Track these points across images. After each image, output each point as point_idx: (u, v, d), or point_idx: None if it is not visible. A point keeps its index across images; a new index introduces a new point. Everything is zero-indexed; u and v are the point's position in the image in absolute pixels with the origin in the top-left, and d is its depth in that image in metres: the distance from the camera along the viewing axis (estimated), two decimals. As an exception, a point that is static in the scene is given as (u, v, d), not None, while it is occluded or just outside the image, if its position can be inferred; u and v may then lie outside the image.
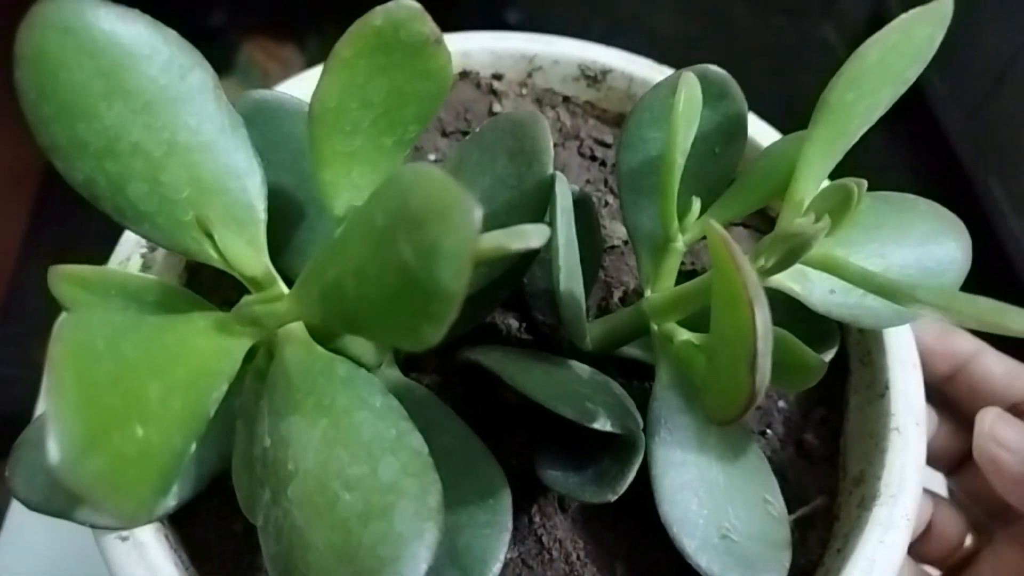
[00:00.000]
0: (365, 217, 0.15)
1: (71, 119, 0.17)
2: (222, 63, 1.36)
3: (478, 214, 0.13)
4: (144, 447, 0.13)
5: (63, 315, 0.13)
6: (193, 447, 0.15)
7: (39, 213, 1.07)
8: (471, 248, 0.13)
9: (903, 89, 0.20)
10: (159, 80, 0.18)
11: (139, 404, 0.13)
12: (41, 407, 0.41)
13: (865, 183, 0.19)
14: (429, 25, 0.17)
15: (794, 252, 0.19)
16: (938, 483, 0.31)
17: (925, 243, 0.23)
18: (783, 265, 0.19)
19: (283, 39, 1.38)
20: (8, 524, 0.38)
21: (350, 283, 0.16)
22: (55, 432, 0.11)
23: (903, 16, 0.19)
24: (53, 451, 0.11)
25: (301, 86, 0.27)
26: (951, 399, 0.29)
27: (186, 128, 0.18)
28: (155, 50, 0.18)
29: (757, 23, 1.49)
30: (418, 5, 0.17)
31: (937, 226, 0.23)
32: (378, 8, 0.17)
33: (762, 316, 0.15)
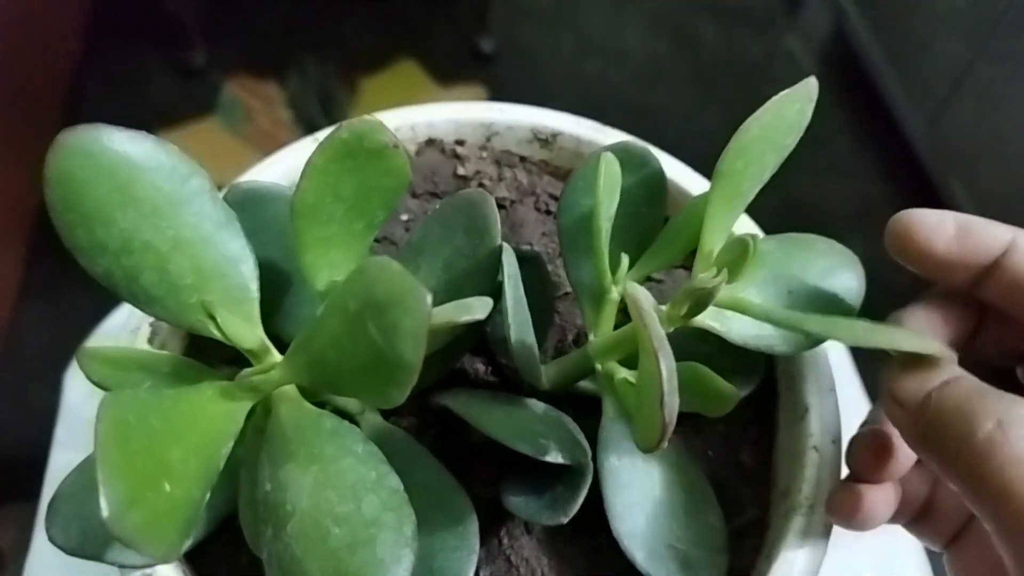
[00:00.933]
0: (340, 301, 0.19)
1: (92, 225, 0.21)
2: (205, 102, 1.40)
3: (429, 299, 0.17)
4: (171, 501, 0.16)
5: (103, 398, 0.16)
6: (207, 496, 0.18)
7: (33, 261, 1.10)
8: (424, 327, 0.17)
9: (786, 152, 0.24)
10: (164, 187, 0.21)
11: (165, 466, 0.17)
12: (54, 456, 0.44)
13: (760, 236, 0.23)
14: (387, 135, 0.21)
15: (701, 301, 0.23)
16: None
17: (824, 278, 0.26)
18: (696, 311, 0.23)
19: (264, 76, 1.42)
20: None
21: (331, 355, 0.19)
22: (104, 494, 0.15)
23: (774, 98, 0.23)
24: (104, 508, 0.15)
25: (276, 168, 0.30)
26: (989, 304, 0.24)
27: (188, 226, 0.21)
28: (160, 163, 0.21)
29: (723, 38, 1.54)
30: (378, 119, 0.21)
31: (834, 261, 0.27)
32: (344, 123, 0.20)
33: (666, 364, 0.19)
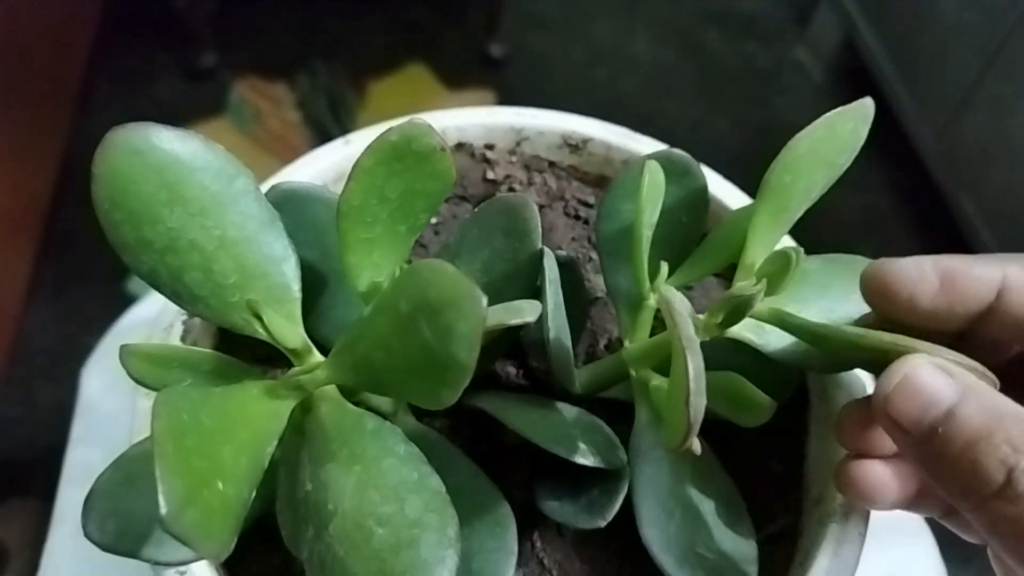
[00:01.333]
0: (390, 303, 0.19)
1: (139, 223, 0.21)
2: (214, 103, 1.40)
3: (484, 302, 0.17)
4: (224, 499, 0.16)
5: (157, 395, 0.16)
6: (252, 496, 0.18)
7: (42, 258, 1.10)
8: (480, 330, 0.17)
9: (838, 172, 0.24)
10: (211, 187, 0.21)
11: (219, 465, 0.17)
12: (71, 453, 0.44)
13: (802, 251, 0.23)
14: (436, 138, 0.21)
15: (739, 309, 0.22)
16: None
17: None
18: (732, 320, 0.23)
19: (273, 78, 1.43)
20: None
21: (378, 356, 0.19)
22: (163, 491, 0.15)
23: (829, 113, 0.22)
24: (163, 505, 0.15)
25: (309, 168, 0.30)
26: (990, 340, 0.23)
27: (233, 225, 0.21)
28: (207, 163, 0.21)
29: (732, 48, 1.55)
30: (427, 122, 0.21)
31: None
32: (394, 127, 0.20)
33: (694, 363, 0.19)
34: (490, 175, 0.33)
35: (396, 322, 0.18)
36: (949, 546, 0.45)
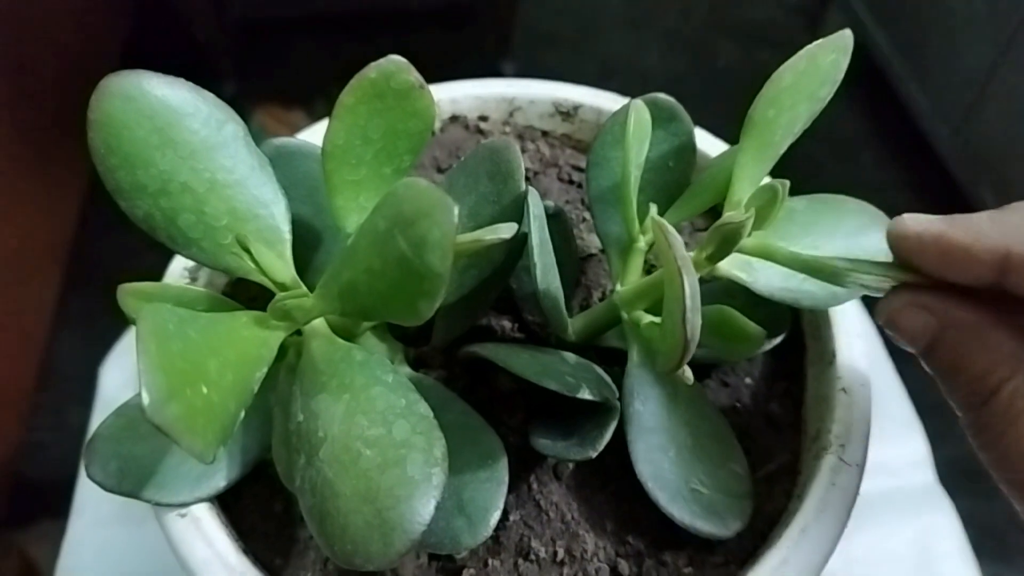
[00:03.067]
0: (370, 226, 0.19)
1: (132, 167, 0.21)
2: (235, 132, 1.44)
3: (455, 210, 0.17)
4: (208, 403, 0.17)
5: (146, 307, 0.17)
6: (242, 415, 0.19)
7: (70, 283, 1.12)
8: (452, 236, 0.17)
9: (820, 106, 0.24)
10: (201, 132, 0.22)
11: (202, 372, 0.17)
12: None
13: (788, 183, 0.23)
14: (413, 74, 0.22)
15: (728, 239, 0.23)
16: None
17: (854, 236, 0.26)
18: (722, 252, 0.23)
19: (291, 106, 1.46)
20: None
21: (362, 279, 0.20)
22: (145, 384, 0.15)
23: (809, 46, 0.23)
24: (145, 397, 0.15)
25: (312, 135, 0.31)
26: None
27: (223, 169, 0.22)
28: (197, 108, 0.22)
29: (743, 58, 1.55)
30: (403, 59, 0.21)
31: (865, 220, 0.27)
32: (372, 64, 0.21)
33: (689, 281, 0.19)
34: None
35: (375, 241, 0.19)
36: (969, 519, 0.45)
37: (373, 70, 0.21)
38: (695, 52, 1.58)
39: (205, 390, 0.17)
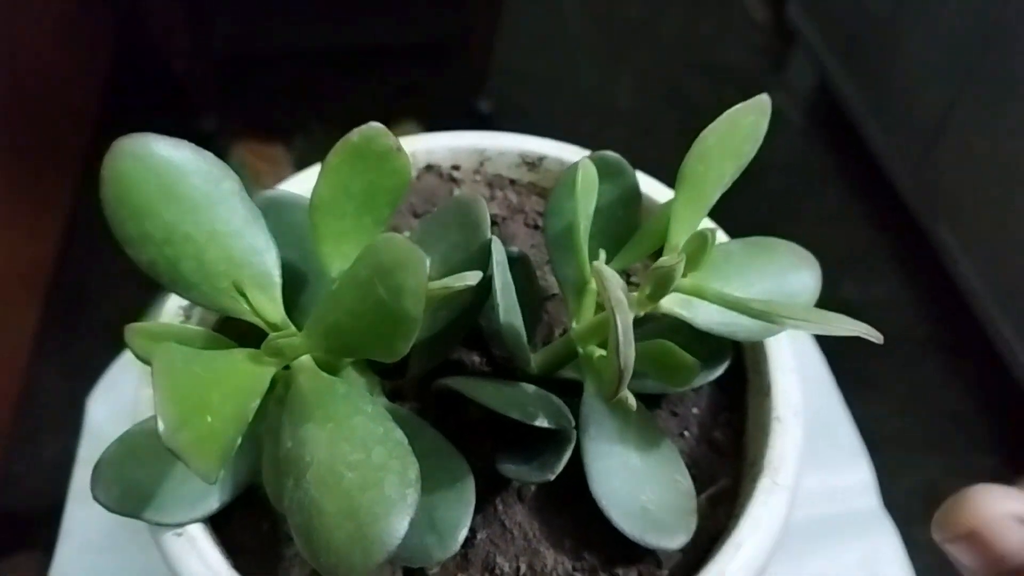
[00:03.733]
0: (352, 273, 0.22)
1: (140, 219, 0.24)
2: (215, 164, 1.46)
3: (427, 262, 0.20)
4: (212, 430, 0.19)
5: (157, 348, 0.20)
6: (239, 442, 0.21)
7: (48, 314, 1.13)
8: (424, 285, 0.20)
9: (746, 160, 0.28)
10: (202, 187, 0.25)
11: (207, 403, 0.20)
12: (77, 473, 0.47)
13: (717, 229, 0.26)
14: (391, 139, 0.25)
15: (662, 280, 0.26)
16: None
17: (783, 274, 0.30)
18: (660, 292, 0.26)
19: (271, 140, 1.48)
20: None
21: (345, 321, 0.23)
22: (160, 414, 0.18)
23: (728, 111, 0.26)
24: (161, 426, 0.18)
25: (299, 184, 0.34)
26: None
27: (221, 220, 0.25)
28: (198, 166, 0.25)
29: (711, 96, 1.61)
30: (382, 126, 0.24)
31: (793, 261, 0.30)
32: (354, 130, 0.24)
33: (622, 318, 0.22)
34: (456, 192, 0.37)
35: (357, 287, 0.22)
36: (911, 543, 0.48)
37: (356, 134, 0.24)
38: (666, 90, 1.63)
39: (209, 419, 0.19)
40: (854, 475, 0.48)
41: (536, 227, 0.37)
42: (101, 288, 1.22)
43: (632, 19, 1.78)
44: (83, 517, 0.44)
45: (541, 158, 0.37)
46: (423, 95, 1.58)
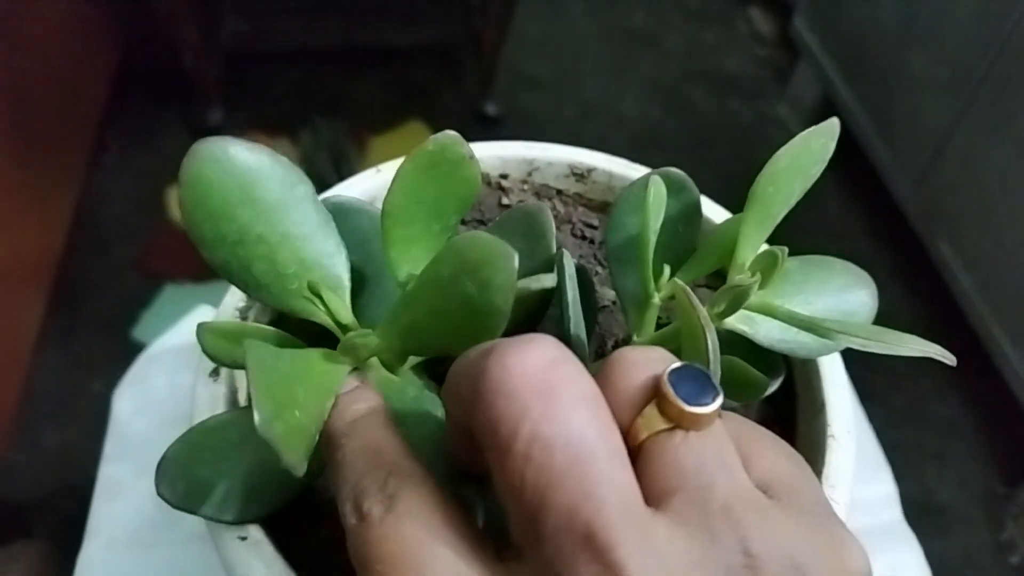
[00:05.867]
0: (432, 273, 0.22)
1: (216, 221, 0.24)
2: (219, 159, 1.45)
3: (516, 259, 0.20)
4: (299, 424, 0.19)
5: (246, 343, 0.20)
6: (317, 436, 0.21)
7: (52, 307, 1.12)
8: (514, 280, 0.20)
9: (811, 181, 0.28)
10: (276, 192, 0.25)
11: (294, 398, 0.20)
12: (103, 469, 0.47)
13: (786, 250, 0.27)
14: (466, 147, 0.25)
15: (737, 299, 0.26)
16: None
17: (841, 293, 0.30)
18: (731, 310, 0.26)
19: (277, 134, 1.48)
20: None
21: (422, 319, 0.23)
22: (257, 406, 0.18)
23: (803, 132, 0.26)
24: (257, 417, 0.18)
25: (348, 192, 0.34)
26: None
27: (294, 224, 0.25)
28: (274, 171, 0.25)
29: (716, 106, 1.62)
30: (457, 134, 0.24)
31: (850, 280, 0.30)
32: (431, 137, 0.24)
33: (711, 338, 0.22)
34: (504, 201, 0.37)
35: (438, 286, 0.22)
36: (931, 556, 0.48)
37: (431, 143, 0.24)
38: (670, 99, 1.64)
39: (297, 413, 0.19)
40: (878, 487, 0.48)
41: (583, 237, 0.37)
42: (103, 281, 1.21)
43: (638, 28, 1.79)
44: (110, 514, 0.44)
45: (590, 170, 0.37)
46: (430, 96, 1.58)
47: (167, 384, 0.49)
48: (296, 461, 0.19)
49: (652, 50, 1.75)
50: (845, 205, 1.47)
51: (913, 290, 1.33)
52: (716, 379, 0.22)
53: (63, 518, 0.96)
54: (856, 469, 0.50)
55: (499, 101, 1.54)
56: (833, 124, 0.27)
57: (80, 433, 1.04)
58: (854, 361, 0.46)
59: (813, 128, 0.26)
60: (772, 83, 1.69)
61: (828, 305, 0.29)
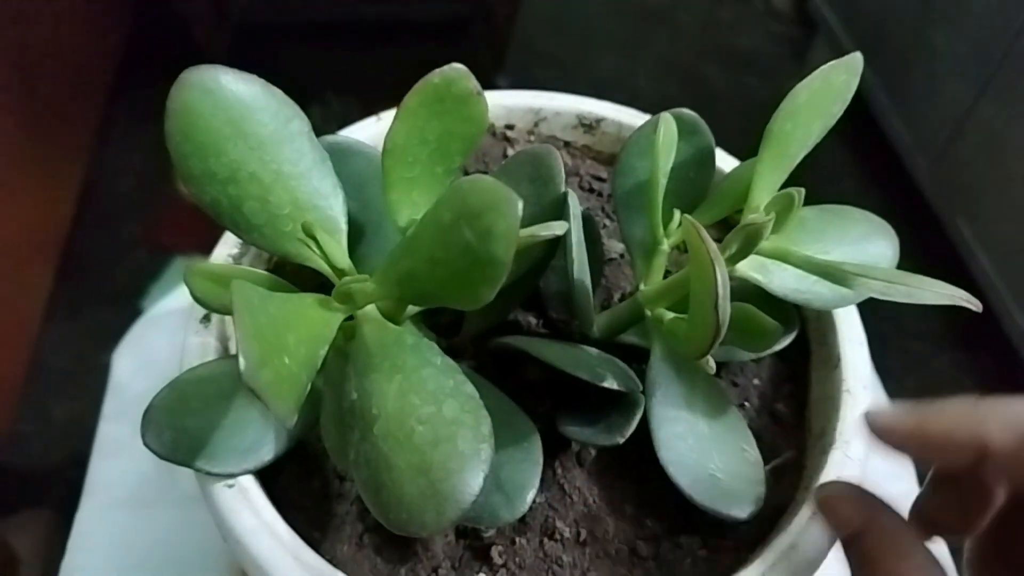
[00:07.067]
0: (433, 218, 0.21)
1: (205, 155, 0.23)
2: (228, 134, 1.44)
3: (519, 204, 0.19)
4: (289, 372, 0.18)
5: (233, 283, 0.19)
6: (309, 386, 0.20)
7: (60, 279, 1.12)
8: (516, 229, 0.19)
9: (832, 121, 0.26)
10: (270, 125, 0.24)
11: (284, 345, 0.19)
12: (102, 428, 0.46)
13: (803, 191, 0.25)
14: (473, 82, 0.23)
15: (750, 239, 0.25)
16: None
17: (860, 242, 0.29)
18: (744, 252, 0.25)
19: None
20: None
21: (421, 267, 0.22)
22: (242, 351, 0.17)
23: (823, 67, 0.25)
24: (242, 364, 0.17)
25: (356, 135, 0.33)
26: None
27: (288, 161, 0.24)
28: (267, 103, 0.24)
29: (731, 83, 1.59)
30: (465, 68, 0.23)
31: (869, 229, 0.29)
32: (436, 70, 0.23)
33: (721, 271, 0.21)
34: (510, 152, 0.36)
35: (438, 232, 0.21)
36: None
37: (437, 76, 0.23)
38: (684, 76, 1.62)
39: (287, 360, 0.18)
40: (900, 485, 0.47)
41: (591, 191, 0.35)
42: (111, 254, 1.21)
43: (652, 4, 1.76)
44: (107, 472, 0.43)
45: (599, 120, 0.36)
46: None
47: (166, 345, 0.48)
48: (285, 412, 0.18)
49: (667, 26, 1.72)
50: (861, 183, 1.45)
51: (930, 268, 1.30)
52: (725, 312, 0.21)
53: (71, 488, 0.95)
54: (878, 465, 0.49)
55: (511, 77, 1.52)
56: (856, 59, 0.25)
57: (88, 405, 1.03)
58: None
59: (834, 62, 0.25)
60: (788, 60, 1.66)
61: (846, 255, 0.28)
